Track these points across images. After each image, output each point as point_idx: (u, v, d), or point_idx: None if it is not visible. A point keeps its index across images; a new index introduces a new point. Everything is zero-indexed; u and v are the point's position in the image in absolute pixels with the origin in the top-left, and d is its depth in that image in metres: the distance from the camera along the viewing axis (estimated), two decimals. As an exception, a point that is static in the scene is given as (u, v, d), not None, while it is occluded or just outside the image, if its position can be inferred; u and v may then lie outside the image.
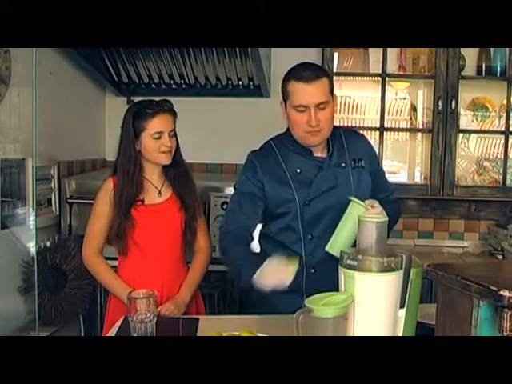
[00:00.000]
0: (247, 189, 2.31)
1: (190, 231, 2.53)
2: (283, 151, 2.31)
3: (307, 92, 2.15)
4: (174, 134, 2.46)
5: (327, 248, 2.10)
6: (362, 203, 2.03)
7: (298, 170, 2.28)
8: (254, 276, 2.02)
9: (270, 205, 2.30)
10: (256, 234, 2.39)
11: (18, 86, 2.84)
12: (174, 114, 2.46)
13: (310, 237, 2.27)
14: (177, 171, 2.52)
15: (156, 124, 2.39)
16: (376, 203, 2.08)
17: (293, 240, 2.30)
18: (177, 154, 2.50)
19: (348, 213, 2.08)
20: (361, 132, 2.58)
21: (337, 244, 2.06)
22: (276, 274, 1.98)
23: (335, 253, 2.05)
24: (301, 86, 2.16)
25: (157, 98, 2.49)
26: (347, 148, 2.33)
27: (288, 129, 2.32)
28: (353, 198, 2.07)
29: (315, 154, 2.29)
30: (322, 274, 2.21)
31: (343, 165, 2.30)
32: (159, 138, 2.39)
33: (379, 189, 2.39)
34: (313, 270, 2.27)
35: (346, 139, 2.35)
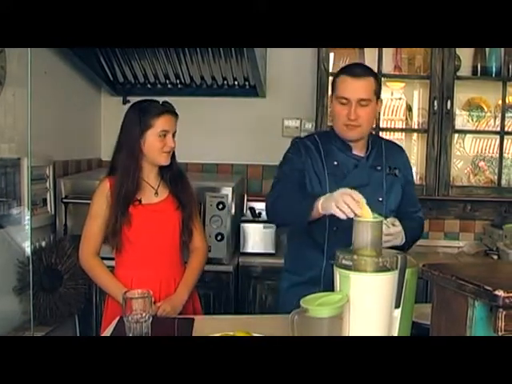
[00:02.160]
0: (293, 165, 2.36)
1: (187, 231, 2.54)
2: (325, 144, 2.39)
3: (351, 86, 2.26)
4: (174, 136, 2.47)
5: None
6: (384, 220, 2.01)
7: (335, 163, 2.35)
8: (321, 200, 1.99)
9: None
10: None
11: (13, 85, 2.83)
12: (176, 116, 2.48)
13: (334, 228, 2.30)
14: (172, 172, 2.52)
15: (163, 123, 2.40)
16: (397, 222, 2.14)
17: (318, 229, 2.31)
18: (173, 157, 2.51)
19: None
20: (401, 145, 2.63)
21: None
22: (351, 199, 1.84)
23: None
24: (347, 80, 2.27)
25: (152, 98, 2.49)
26: (385, 155, 2.42)
27: (332, 127, 2.42)
28: (375, 215, 2.06)
29: (354, 152, 2.37)
30: None
31: (379, 168, 2.38)
32: (164, 136, 2.40)
33: (409, 202, 2.44)
34: (332, 262, 2.28)
35: (385, 147, 2.45)
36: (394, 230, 2.10)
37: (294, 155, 2.40)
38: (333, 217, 2.24)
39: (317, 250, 2.35)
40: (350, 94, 2.25)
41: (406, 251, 2.16)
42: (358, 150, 2.38)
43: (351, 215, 1.78)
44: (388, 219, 2.12)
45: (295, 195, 2.23)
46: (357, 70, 2.30)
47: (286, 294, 2.46)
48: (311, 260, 2.37)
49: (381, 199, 2.34)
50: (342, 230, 2.27)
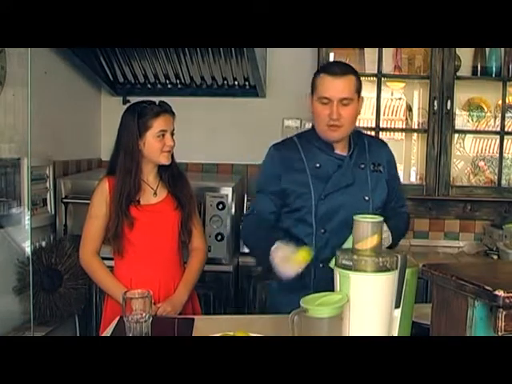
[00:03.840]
0: (267, 184, 2.36)
1: (186, 231, 2.54)
2: (305, 146, 2.35)
3: (332, 85, 2.21)
4: (173, 135, 2.47)
5: (331, 265, 2.10)
6: None
7: (318, 165, 2.31)
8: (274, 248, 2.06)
9: (287, 197, 2.33)
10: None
11: (13, 85, 2.83)
12: (173, 115, 2.48)
13: (322, 231, 2.28)
14: (171, 172, 2.53)
15: (161, 123, 2.41)
16: (385, 227, 2.08)
17: (306, 233, 2.31)
18: (172, 158, 2.51)
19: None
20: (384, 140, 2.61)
21: None
22: (283, 261, 2.00)
23: None
24: (328, 79, 2.21)
25: (152, 98, 2.50)
26: (368, 151, 2.37)
27: (313, 126, 2.36)
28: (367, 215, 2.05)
29: (336, 151, 2.33)
30: (331, 270, 2.21)
31: (362, 166, 2.33)
32: (163, 136, 2.41)
33: (391, 197, 2.41)
34: (321, 265, 2.26)
35: (368, 143, 2.40)
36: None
37: (269, 165, 2.38)
38: (321, 219, 2.26)
39: None
40: (331, 93, 2.20)
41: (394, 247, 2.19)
42: (341, 149, 2.33)
43: (287, 275, 1.95)
44: None
45: (260, 234, 2.24)
46: (336, 68, 2.25)
47: (276, 296, 2.42)
48: None
49: (367, 198, 2.30)
50: (330, 232, 2.27)
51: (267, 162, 2.40)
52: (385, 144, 2.50)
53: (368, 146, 2.38)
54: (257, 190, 2.41)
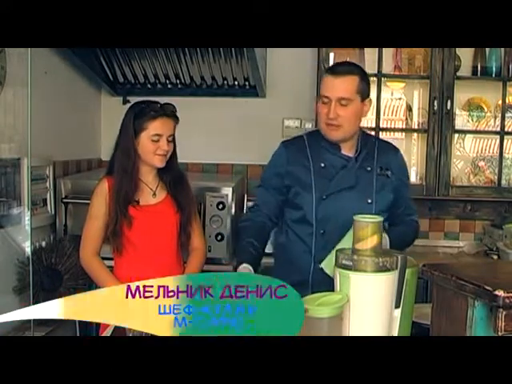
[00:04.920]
0: (270, 179, 2.39)
1: (185, 233, 2.54)
2: (313, 145, 2.36)
3: (332, 84, 2.23)
4: (172, 139, 2.46)
5: (322, 265, 2.08)
6: None
7: (323, 165, 2.31)
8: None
9: (289, 194, 2.34)
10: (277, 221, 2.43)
11: (13, 85, 2.83)
12: (175, 119, 2.46)
13: (322, 231, 2.28)
14: (172, 175, 2.52)
15: (157, 126, 2.39)
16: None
17: (306, 233, 2.32)
18: (173, 159, 2.50)
19: (350, 235, 2.04)
20: (396, 146, 2.56)
21: (332, 263, 2.04)
22: None
23: (329, 271, 2.02)
24: (329, 79, 2.24)
25: (153, 98, 2.49)
26: (377, 155, 2.36)
27: None
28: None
29: (343, 151, 2.33)
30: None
31: (369, 168, 2.33)
32: (157, 140, 2.39)
33: (399, 204, 2.40)
34: (320, 266, 2.26)
35: (378, 146, 2.39)
36: None
37: (275, 160, 2.40)
38: (321, 219, 2.26)
39: (305, 254, 2.32)
40: (329, 92, 2.22)
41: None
42: (347, 150, 2.33)
43: None
44: None
45: (246, 237, 2.25)
46: (339, 68, 2.28)
47: None
48: (299, 264, 2.33)
49: (370, 201, 2.29)
50: (329, 233, 2.26)
51: (274, 158, 2.42)
52: (396, 150, 2.48)
53: (377, 151, 2.37)
54: (259, 185, 2.43)
